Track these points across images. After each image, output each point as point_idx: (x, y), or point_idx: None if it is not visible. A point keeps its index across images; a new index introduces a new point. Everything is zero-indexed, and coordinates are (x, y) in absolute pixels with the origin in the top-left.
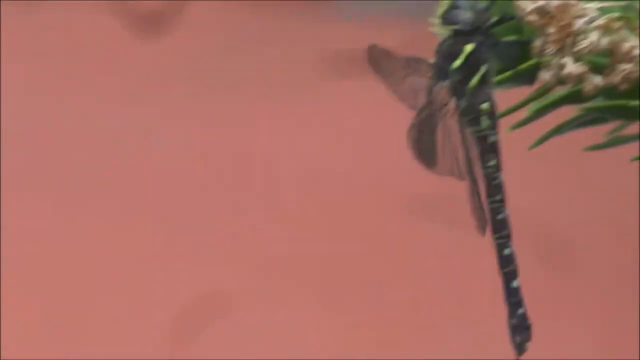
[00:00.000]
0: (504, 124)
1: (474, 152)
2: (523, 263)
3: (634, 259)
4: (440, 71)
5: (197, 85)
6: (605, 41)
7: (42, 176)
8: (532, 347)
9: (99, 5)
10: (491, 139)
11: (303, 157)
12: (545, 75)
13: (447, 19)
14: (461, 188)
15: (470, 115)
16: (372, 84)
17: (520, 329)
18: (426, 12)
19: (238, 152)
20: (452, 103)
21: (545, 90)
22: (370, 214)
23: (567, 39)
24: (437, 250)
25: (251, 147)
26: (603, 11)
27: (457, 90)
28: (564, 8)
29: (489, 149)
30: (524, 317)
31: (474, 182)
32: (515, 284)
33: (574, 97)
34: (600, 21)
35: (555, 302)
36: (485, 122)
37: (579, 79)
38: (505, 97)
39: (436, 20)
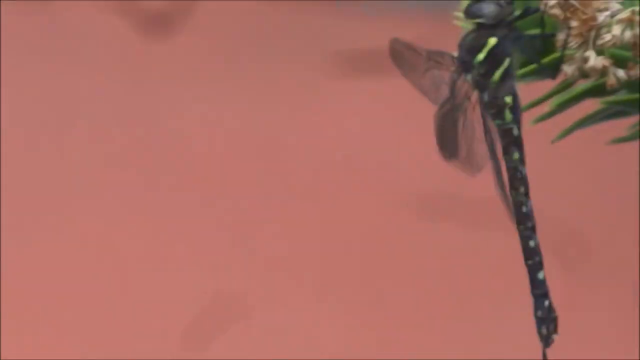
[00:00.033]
0: (527, 117)
1: (498, 145)
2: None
3: None
4: (464, 64)
5: (207, 85)
6: (628, 34)
7: (45, 176)
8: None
9: (106, 5)
10: (514, 132)
11: (316, 154)
12: (568, 69)
13: (470, 13)
14: (464, 187)
15: (494, 109)
16: (386, 80)
17: (547, 321)
18: (444, 7)
19: (250, 152)
20: (475, 96)
21: (568, 84)
22: (377, 212)
23: (590, 33)
24: (440, 250)
25: (264, 146)
26: (626, 4)
27: (480, 84)
28: (587, 1)
29: (513, 142)
30: (550, 309)
31: (498, 175)
32: (540, 275)
33: (597, 91)
34: (623, 14)
35: (570, 296)
36: (508, 115)
37: (602, 72)
38: (528, 90)
39: (460, 14)
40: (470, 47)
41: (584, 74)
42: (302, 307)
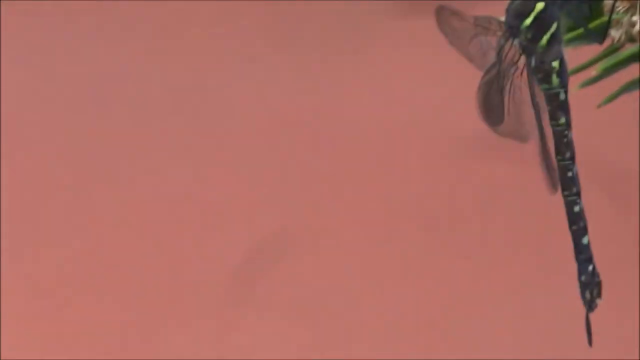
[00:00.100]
0: (573, 82)
1: (544, 109)
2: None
3: None
4: (511, 29)
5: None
6: None
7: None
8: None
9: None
10: (561, 96)
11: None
12: (615, 33)
13: None
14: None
15: (541, 73)
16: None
17: (590, 286)
18: None
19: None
20: (522, 61)
21: (615, 48)
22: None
23: None
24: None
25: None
26: None
27: (528, 49)
28: None
29: (559, 107)
30: (593, 274)
31: (543, 140)
32: (585, 240)
33: None
34: None
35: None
36: (555, 79)
37: None
38: (575, 55)
39: None
40: (518, 11)
41: (630, 39)
42: (352, 250)
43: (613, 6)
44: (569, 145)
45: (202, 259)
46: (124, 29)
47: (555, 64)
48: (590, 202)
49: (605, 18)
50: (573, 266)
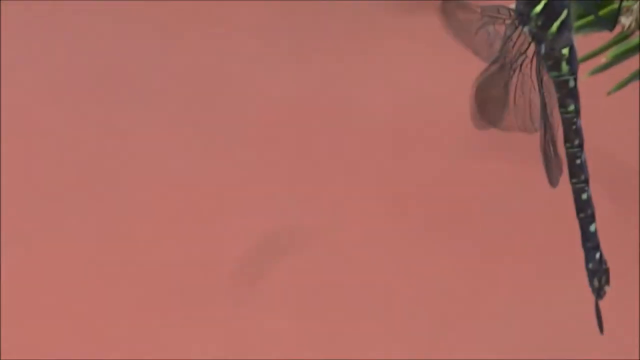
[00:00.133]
0: (584, 69)
1: (553, 97)
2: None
3: None
4: (521, 17)
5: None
6: None
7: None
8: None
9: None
10: (571, 84)
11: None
12: (625, 20)
13: None
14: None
15: (551, 61)
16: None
17: (598, 273)
18: None
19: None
20: (532, 49)
21: (625, 36)
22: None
23: None
24: (498, 189)
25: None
26: None
27: (538, 36)
28: None
29: (569, 94)
30: (601, 261)
31: (549, 129)
32: (592, 228)
33: None
34: None
35: (621, 240)
36: (565, 67)
37: None
38: (585, 42)
39: None
40: None
41: None
42: (363, 238)
43: None
44: (578, 132)
45: (205, 252)
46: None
47: (565, 51)
48: None
49: (615, 5)
50: (573, 265)
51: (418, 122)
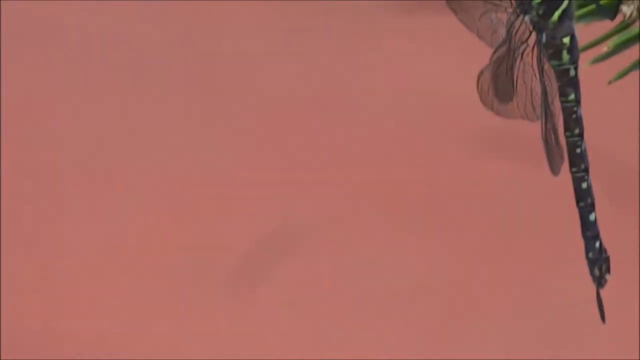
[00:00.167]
0: (585, 58)
1: (554, 86)
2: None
3: None
4: (522, 6)
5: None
6: None
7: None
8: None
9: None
10: (571, 73)
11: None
12: (626, 9)
13: None
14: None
15: (551, 49)
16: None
17: (599, 262)
18: None
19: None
20: (533, 39)
21: (626, 25)
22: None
23: None
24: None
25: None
26: None
27: (539, 24)
28: None
29: (569, 83)
30: (601, 250)
31: (550, 118)
32: (592, 217)
33: None
34: None
35: (621, 240)
36: (566, 56)
37: None
38: (586, 31)
39: None
40: None
41: None
42: (371, 234)
43: None
44: (578, 121)
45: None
46: None
47: (566, 40)
48: None
49: None
50: (573, 265)
51: (418, 121)
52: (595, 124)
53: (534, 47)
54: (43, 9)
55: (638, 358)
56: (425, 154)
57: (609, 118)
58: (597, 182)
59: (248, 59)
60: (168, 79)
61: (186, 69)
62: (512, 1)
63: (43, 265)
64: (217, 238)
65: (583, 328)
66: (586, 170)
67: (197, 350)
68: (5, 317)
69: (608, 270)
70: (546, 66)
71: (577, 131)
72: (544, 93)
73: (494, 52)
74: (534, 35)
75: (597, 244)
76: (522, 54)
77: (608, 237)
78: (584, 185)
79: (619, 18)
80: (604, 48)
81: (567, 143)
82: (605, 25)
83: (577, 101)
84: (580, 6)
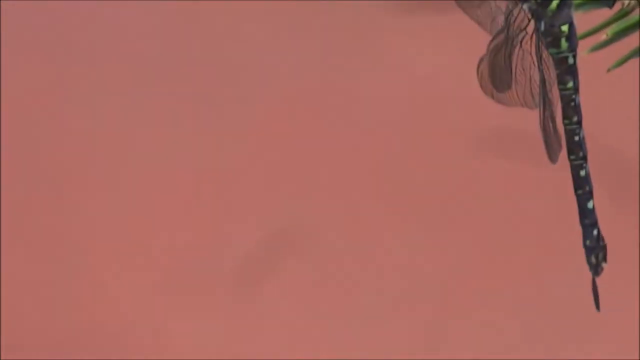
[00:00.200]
0: (583, 46)
1: (552, 74)
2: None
3: None
4: None
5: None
6: None
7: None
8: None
9: None
10: (570, 60)
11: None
12: None
13: None
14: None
15: (550, 37)
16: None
17: (596, 250)
18: None
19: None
20: (532, 26)
21: (625, 12)
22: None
23: None
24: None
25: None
26: None
27: (537, 12)
28: None
29: (568, 71)
30: (598, 238)
31: (549, 106)
32: (590, 205)
33: None
34: None
35: (621, 240)
36: (564, 44)
37: None
38: (585, 19)
39: None
40: None
41: None
42: (369, 229)
43: None
44: (576, 109)
45: (205, 249)
46: None
47: (565, 28)
48: None
49: None
50: (573, 265)
51: (418, 121)
52: (593, 111)
53: (532, 35)
54: (43, 9)
55: (638, 358)
56: (425, 153)
57: (608, 106)
58: (598, 182)
59: (249, 59)
60: (168, 79)
61: (188, 70)
62: None
63: (43, 265)
64: (221, 238)
65: (583, 328)
66: (584, 158)
67: (201, 350)
68: (5, 317)
69: (604, 259)
70: (545, 54)
71: (575, 119)
72: (543, 81)
73: (492, 40)
74: (532, 23)
75: (595, 232)
76: (521, 42)
77: (608, 237)
78: (582, 172)
79: (617, 6)
80: (603, 36)
81: (566, 131)
82: (604, 13)
83: (576, 89)
84: None
